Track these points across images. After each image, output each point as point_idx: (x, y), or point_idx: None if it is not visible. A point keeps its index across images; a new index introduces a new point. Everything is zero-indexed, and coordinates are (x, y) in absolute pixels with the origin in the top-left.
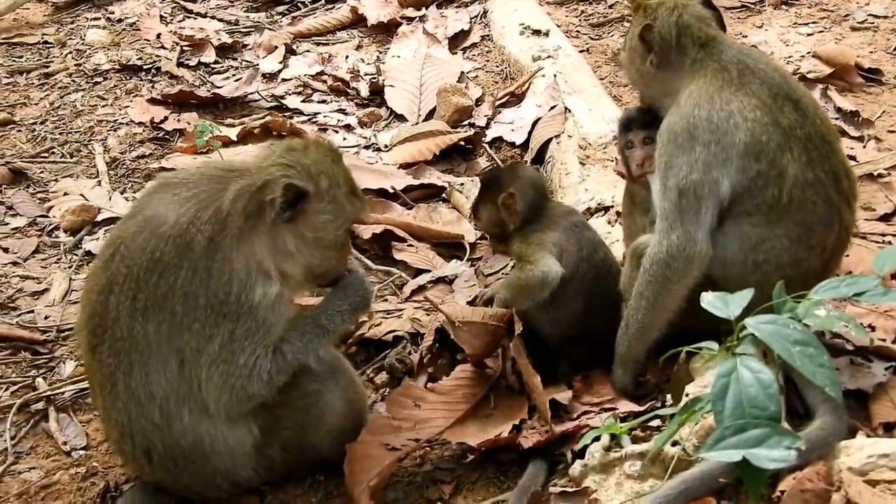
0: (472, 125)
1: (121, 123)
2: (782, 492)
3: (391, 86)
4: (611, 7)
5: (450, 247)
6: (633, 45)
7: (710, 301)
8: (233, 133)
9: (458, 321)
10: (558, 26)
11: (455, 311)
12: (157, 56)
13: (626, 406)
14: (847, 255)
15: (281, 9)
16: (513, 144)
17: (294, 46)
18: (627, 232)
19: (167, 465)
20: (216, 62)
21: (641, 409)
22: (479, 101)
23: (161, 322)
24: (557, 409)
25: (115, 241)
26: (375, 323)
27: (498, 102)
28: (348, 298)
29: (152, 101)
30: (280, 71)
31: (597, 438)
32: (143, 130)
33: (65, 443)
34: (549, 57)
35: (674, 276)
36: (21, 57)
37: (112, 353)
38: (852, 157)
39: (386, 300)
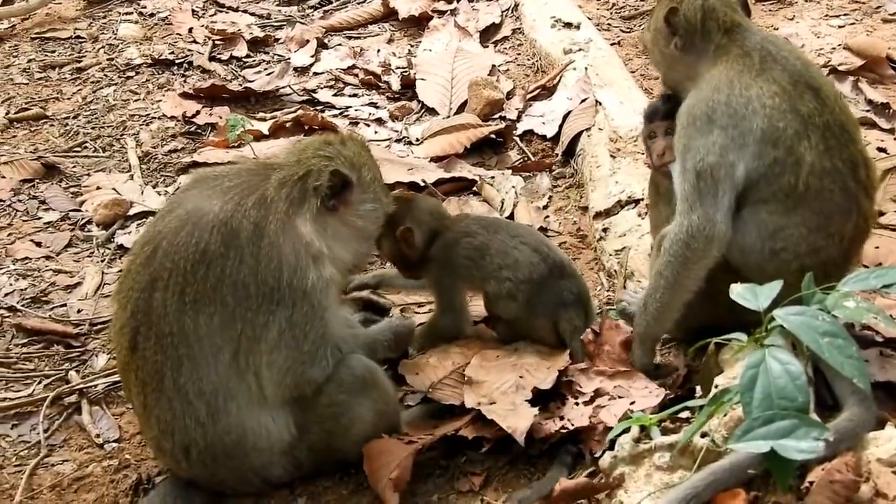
0: (503, 118)
1: (153, 118)
2: (811, 483)
3: (422, 79)
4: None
5: None
6: (657, 26)
7: (739, 293)
8: (264, 127)
9: (428, 388)
10: (589, 19)
11: (422, 380)
12: (189, 50)
13: (639, 389)
14: (877, 248)
15: (312, 2)
16: (544, 137)
17: (326, 40)
18: (654, 223)
19: (206, 461)
20: (248, 56)
21: (657, 397)
22: (510, 95)
23: (212, 314)
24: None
25: (156, 237)
26: (408, 316)
27: (529, 95)
28: (396, 331)
29: (184, 95)
30: (312, 65)
31: (626, 430)
32: (175, 125)
33: (97, 435)
34: (580, 50)
35: (693, 255)
36: (54, 52)
37: (159, 349)
38: (882, 150)
39: (419, 293)
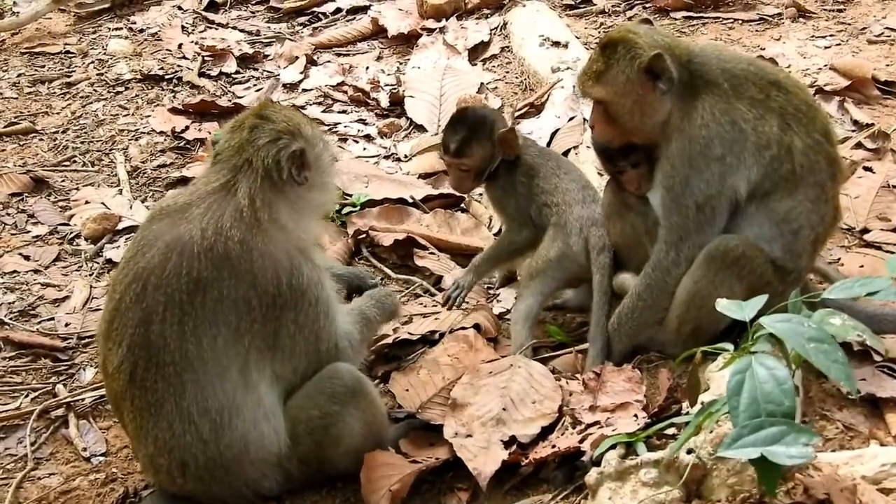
0: None
1: (142, 133)
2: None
3: (411, 96)
4: (629, 19)
5: (468, 256)
6: (631, 77)
7: (725, 305)
8: None
9: (418, 409)
10: (577, 38)
11: (411, 397)
12: (179, 66)
13: (626, 419)
14: (861, 266)
15: (302, 19)
16: None
17: (315, 57)
18: (622, 231)
19: (203, 476)
20: (237, 72)
21: (637, 424)
22: None
23: (216, 336)
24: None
25: (141, 274)
26: (407, 321)
27: (517, 113)
28: (382, 304)
29: (173, 110)
30: (301, 81)
31: (613, 446)
32: (165, 140)
33: (84, 449)
34: (568, 68)
35: (674, 281)
36: (43, 66)
37: (160, 378)
38: (869, 169)
39: (423, 305)
